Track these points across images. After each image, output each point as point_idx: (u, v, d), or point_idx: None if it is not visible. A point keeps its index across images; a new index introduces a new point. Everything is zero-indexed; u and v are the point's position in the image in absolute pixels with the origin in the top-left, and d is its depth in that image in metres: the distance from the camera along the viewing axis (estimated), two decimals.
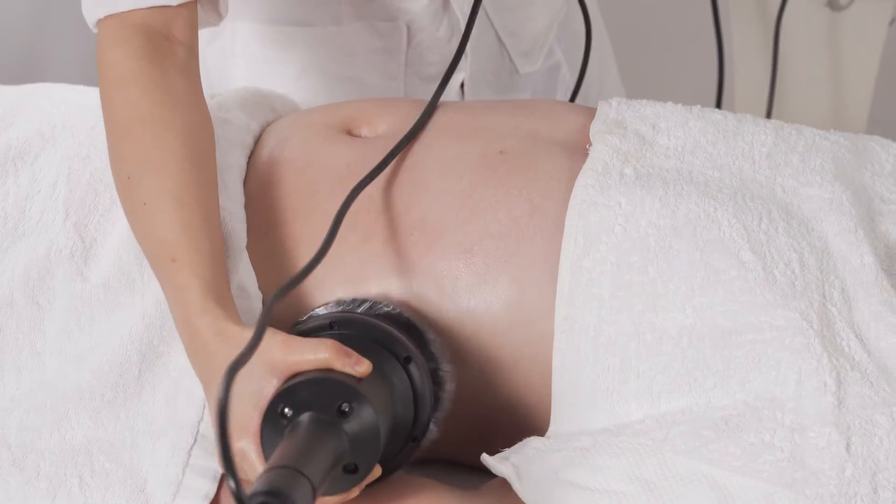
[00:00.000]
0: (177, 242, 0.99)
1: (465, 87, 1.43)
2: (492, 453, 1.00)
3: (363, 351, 0.93)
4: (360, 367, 0.91)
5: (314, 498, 0.82)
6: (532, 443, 1.00)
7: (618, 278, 1.00)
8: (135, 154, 1.03)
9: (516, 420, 1.04)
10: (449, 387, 1.03)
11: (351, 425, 0.89)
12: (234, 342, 0.93)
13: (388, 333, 0.99)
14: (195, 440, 1.01)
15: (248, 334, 0.91)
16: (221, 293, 0.98)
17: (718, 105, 1.67)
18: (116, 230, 1.09)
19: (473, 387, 1.04)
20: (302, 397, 0.90)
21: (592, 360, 0.99)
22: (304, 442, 0.87)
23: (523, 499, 0.95)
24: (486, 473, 1.06)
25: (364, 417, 0.90)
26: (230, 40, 1.41)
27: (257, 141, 1.17)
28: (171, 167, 1.02)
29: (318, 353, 0.91)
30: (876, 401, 0.94)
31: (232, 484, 0.76)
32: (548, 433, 1.01)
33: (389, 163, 1.06)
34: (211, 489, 1.00)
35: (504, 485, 0.98)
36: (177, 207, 1.00)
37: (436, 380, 1.02)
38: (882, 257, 1.04)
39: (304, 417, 0.89)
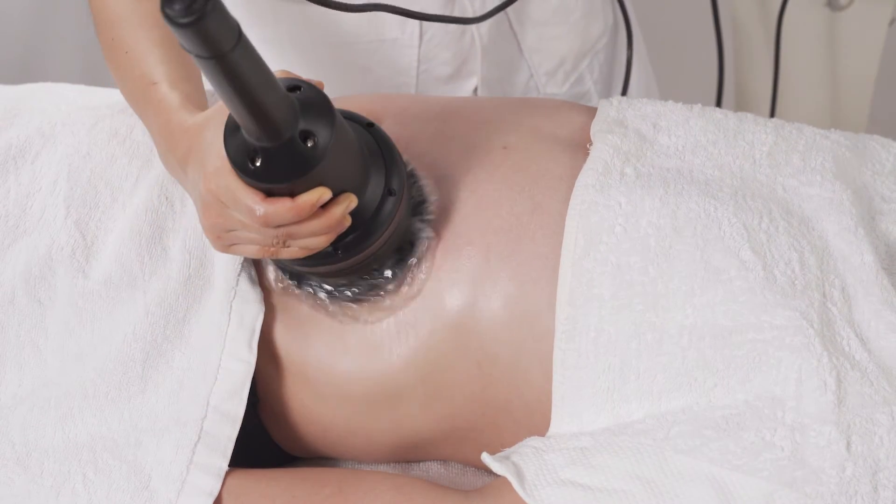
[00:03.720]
0: (156, 69, 1.04)
1: (479, 94, 1.42)
2: (492, 453, 1.00)
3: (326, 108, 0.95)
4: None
5: (237, 43, 0.81)
6: (532, 442, 1.00)
7: (618, 278, 1.00)
8: (116, 18, 1.09)
9: (516, 419, 1.04)
10: (429, 191, 1.05)
11: (302, 98, 0.91)
12: (218, 117, 0.96)
13: (351, 112, 1.01)
14: (199, 437, 1.01)
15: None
16: (201, 106, 1.02)
17: (718, 105, 1.66)
18: (117, 227, 1.09)
19: (473, 383, 1.04)
20: None
21: (593, 359, 0.99)
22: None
23: (524, 498, 0.96)
24: (487, 473, 1.07)
25: (316, 97, 0.92)
26: (244, 16, 1.40)
27: None
28: (150, 23, 1.07)
29: None
30: (876, 400, 0.94)
31: None
32: (548, 433, 1.01)
33: None
34: (215, 486, 1.00)
35: (504, 485, 0.98)
36: (157, 48, 1.06)
37: (413, 180, 1.05)
38: (882, 256, 1.05)
39: None
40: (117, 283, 1.07)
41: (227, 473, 1.01)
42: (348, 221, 0.95)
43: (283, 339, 1.06)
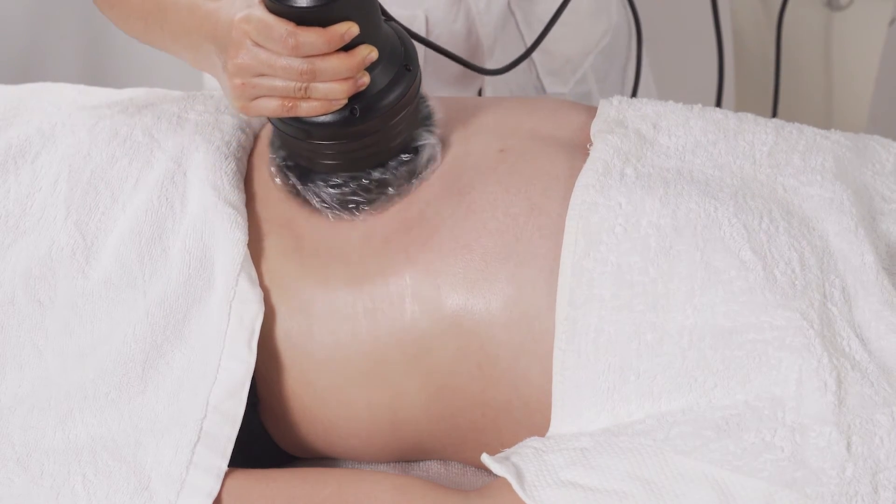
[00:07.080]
0: None
1: (484, 94, 1.42)
2: (492, 453, 1.00)
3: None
4: None
5: None
6: (532, 443, 1.00)
7: (618, 279, 1.00)
8: None
9: (516, 420, 1.04)
10: (435, 108, 1.10)
11: None
12: None
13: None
14: (198, 438, 1.01)
15: None
16: None
17: (718, 106, 1.66)
18: (118, 228, 1.09)
19: (473, 384, 1.04)
20: None
21: (593, 360, 0.99)
22: None
23: (523, 499, 0.96)
24: (487, 473, 1.07)
25: None
26: None
27: (257, 138, 1.18)
28: None
29: None
30: (876, 400, 0.94)
31: None
32: (548, 433, 1.01)
33: None
34: (215, 487, 1.00)
35: (504, 485, 0.98)
36: None
37: (423, 98, 1.10)
38: (883, 256, 1.05)
39: None
40: (117, 284, 1.07)
41: (227, 474, 1.01)
42: (367, 79, 1.00)
43: (283, 335, 1.06)
